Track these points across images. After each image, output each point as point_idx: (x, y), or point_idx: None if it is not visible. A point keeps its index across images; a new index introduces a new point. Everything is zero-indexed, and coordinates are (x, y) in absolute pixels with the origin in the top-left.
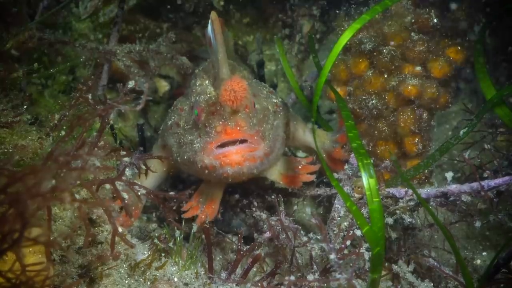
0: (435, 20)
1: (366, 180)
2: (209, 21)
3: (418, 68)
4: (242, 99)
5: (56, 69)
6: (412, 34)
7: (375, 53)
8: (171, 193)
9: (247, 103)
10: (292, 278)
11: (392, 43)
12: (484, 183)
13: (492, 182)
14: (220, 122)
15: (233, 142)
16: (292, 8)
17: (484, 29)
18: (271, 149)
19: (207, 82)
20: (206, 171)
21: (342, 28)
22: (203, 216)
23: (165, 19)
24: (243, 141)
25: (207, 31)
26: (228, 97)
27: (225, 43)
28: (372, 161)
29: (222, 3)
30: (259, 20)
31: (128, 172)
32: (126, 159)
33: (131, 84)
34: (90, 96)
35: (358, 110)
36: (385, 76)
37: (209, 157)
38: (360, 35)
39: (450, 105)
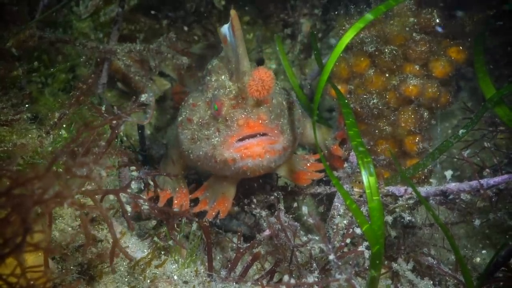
0: (438, 20)
1: (366, 178)
2: (230, 19)
3: (420, 68)
4: (270, 89)
5: (57, 68)
6: (414, 34)
7: (376, 52)
8: (175, 209)
9: (271, 92)
10: (292, 281)
11: (394, 42)
12: (484, 181)
13: (492, 181)
14: (243, 116)
15: (253, 136)
16: (293, 7)
17: (484, 29)
18: (289, 144)
19: (223, 77)
20: (225, 165)
21: (344, 28)
22: (213, 213)
23: (166, 18)
24: (262, 134)
25: (223, 28)
26: (256, 87)
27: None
28: (372, 159)
29: (223, 2)
30: (259, 19)
31: (134, 185)
32: (134, 173)
33: (143, 97)
34: (103, 108)
35: (359, 109)
36: (387, 75)
37: (229, 150)
38: (361, 34)
39: (451, 104)
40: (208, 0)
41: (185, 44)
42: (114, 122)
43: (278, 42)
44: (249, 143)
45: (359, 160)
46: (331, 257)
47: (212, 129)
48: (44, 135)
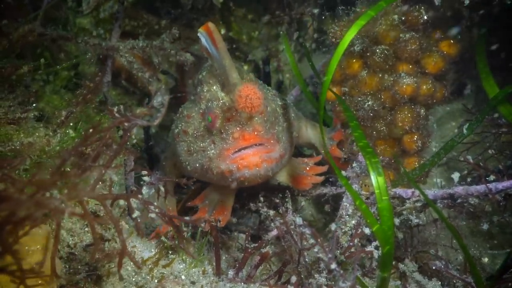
0: (425, 17)
1: (375, 179)
2: (200, 31)
3: (413, 66)
4: (259, 105)
5: (62, 66)
6: (403, 33)
7: (368, 53)
8: (186, 218)
9: (262, 107)
10: None
11: (384, 42)
12: (492, 185)
13: (500, 185)
14: (238, 128)
15: (249, 146)
16: (291, 6)
17: (486, 28)
18: (285, 151)
19: (215, 87)
20: (222, 177)
21: (332, 30)
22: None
23: (166, 15)
24: (259, 144)
25: (201, 41)
26: (244, 104)
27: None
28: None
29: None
30: (259, 17)
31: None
32: (146, 178)
33: (158, 100)
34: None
35: (354, 112)
36: (380, 75)
37: (226, 162)
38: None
39: (447, 99)
40: None
41: (187, 42)
42: (126, 124)
43: (284, 39)
44: (245, 154)
45: (367, 161)
46: (333, 266)
47: (208, 141)
48: (51, 133)
